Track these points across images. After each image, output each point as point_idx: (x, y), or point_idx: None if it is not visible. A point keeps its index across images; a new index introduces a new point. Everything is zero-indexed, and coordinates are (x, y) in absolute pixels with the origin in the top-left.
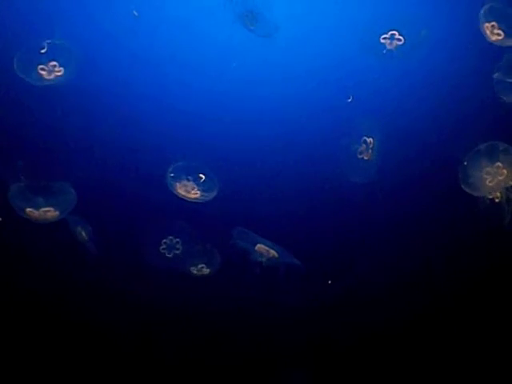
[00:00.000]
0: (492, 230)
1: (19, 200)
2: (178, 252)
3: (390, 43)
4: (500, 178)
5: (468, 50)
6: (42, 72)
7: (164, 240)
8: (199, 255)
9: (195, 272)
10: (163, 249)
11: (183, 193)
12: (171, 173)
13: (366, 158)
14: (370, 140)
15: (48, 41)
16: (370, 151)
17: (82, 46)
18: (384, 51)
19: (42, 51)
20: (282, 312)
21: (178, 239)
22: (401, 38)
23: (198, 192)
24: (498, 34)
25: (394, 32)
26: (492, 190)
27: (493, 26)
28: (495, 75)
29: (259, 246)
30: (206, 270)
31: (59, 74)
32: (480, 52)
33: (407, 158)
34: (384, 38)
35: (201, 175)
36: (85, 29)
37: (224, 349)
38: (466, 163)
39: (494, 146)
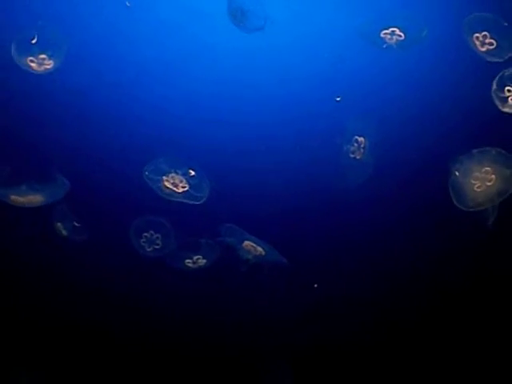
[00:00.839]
0: (479, 231)
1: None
2: (158, 247)
3: (391, 38)
4: (488, 183)
5: (466, 52)
6: (32, 64)
7: (144, 234)
8: (192, 248)
9: (191, 264)
10: (143, 242)
11: (171, 186)
12: (158, 165)
13: (358, 157)
14: (361, 139)
15: (37, 34)
16: (362, 150)
17: (73, 43)
18: (384, 46)
19: (33, 41)
20: (268, 312)
21: (158, 234)
22: (401, 34)
23: (187, 186)
24: (490, 44)
25: (394, 29)
26: (479, 197)
27: (484, 35)
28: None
29: (246, 243)
30: (202, 261)
31: (49, 67)
32: (477, 55)
33: (398, 158)
34: (385, 33)
35: (190, 171)
36: (76, 27)
37: (210, 344)
38: (457, 173)
39: (484, 152)
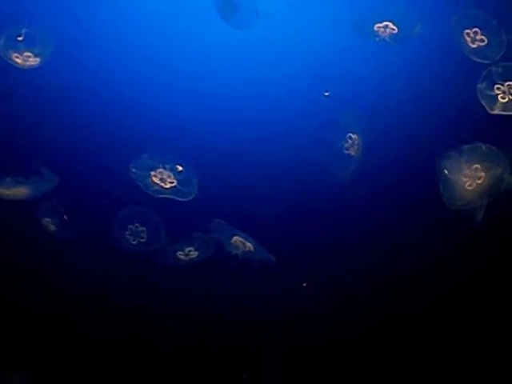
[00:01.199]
0: (469, 228)
1: None
2: (143, 240)
3: (384, 31)
4: (478, 181)
5: (458, 48)
6: (17, 60)
7: (129, 226)
8: (184, 241)
9: (183, 257)
10: (128, 234)
11: (158, 182)
12: (146, 160)
13: (352, 153)
14: (354, 136)
15: (25, 29)
16: (356, 147)
17: (59, 39)
18: (377, 39)
19: (19, 39)
20: (257, 310)
21: (143, 227)
22: (395, 28)
23: (175, 181)
24: (481, 41)
25: (388, 23)
26: (469, 194)
27: (475, 32)
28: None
29: (235, 239)
30: (194, 254)
31: (34, 63)
32: (469, 52)
33: (388, 155)
34: (378, 27)
35: (178, 166)
36: (63, 23)
37: (197, 342)
38: (446, 171)
39: (474, 148)
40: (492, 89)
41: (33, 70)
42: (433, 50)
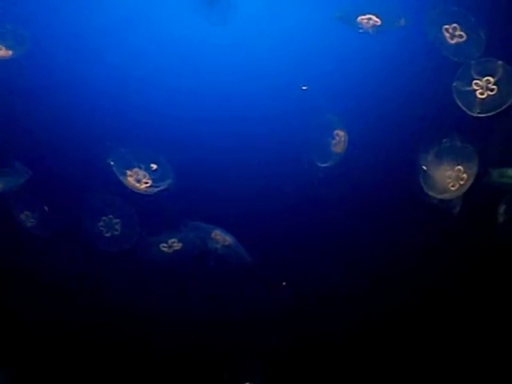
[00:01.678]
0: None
1: None
2: (116, 233)
3: (367, 22)
4: (461, 182)
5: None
6: None
7: (103, 217)
8: (167, 232)
9: (166, 249)
10: (101, 226)
11: (133, 182)
12: (121, 159)
13: (338, 150)
14: (341, 133)
15: None
16: (343, 144)
17: (34, 32)
18: (360, 31)
19: None
20: (237, 309)
21: (117, 219)
22: (378, 20)
23: (149, 181)
24: (460, 36)
25: (371, 16)
26: (453, 194)
27: (454, 28)
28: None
29: (215, 233)
30: (178, 245)
31: (6, 56)
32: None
33: (371, 153)
34: (361, 19)
35: (152, 165)
36: (40, 15)
37: (181, 341)
38: (425, 167)
39: (454, 147)
40: (470, 84)
41: (5, 61)
42: (414, 47)
